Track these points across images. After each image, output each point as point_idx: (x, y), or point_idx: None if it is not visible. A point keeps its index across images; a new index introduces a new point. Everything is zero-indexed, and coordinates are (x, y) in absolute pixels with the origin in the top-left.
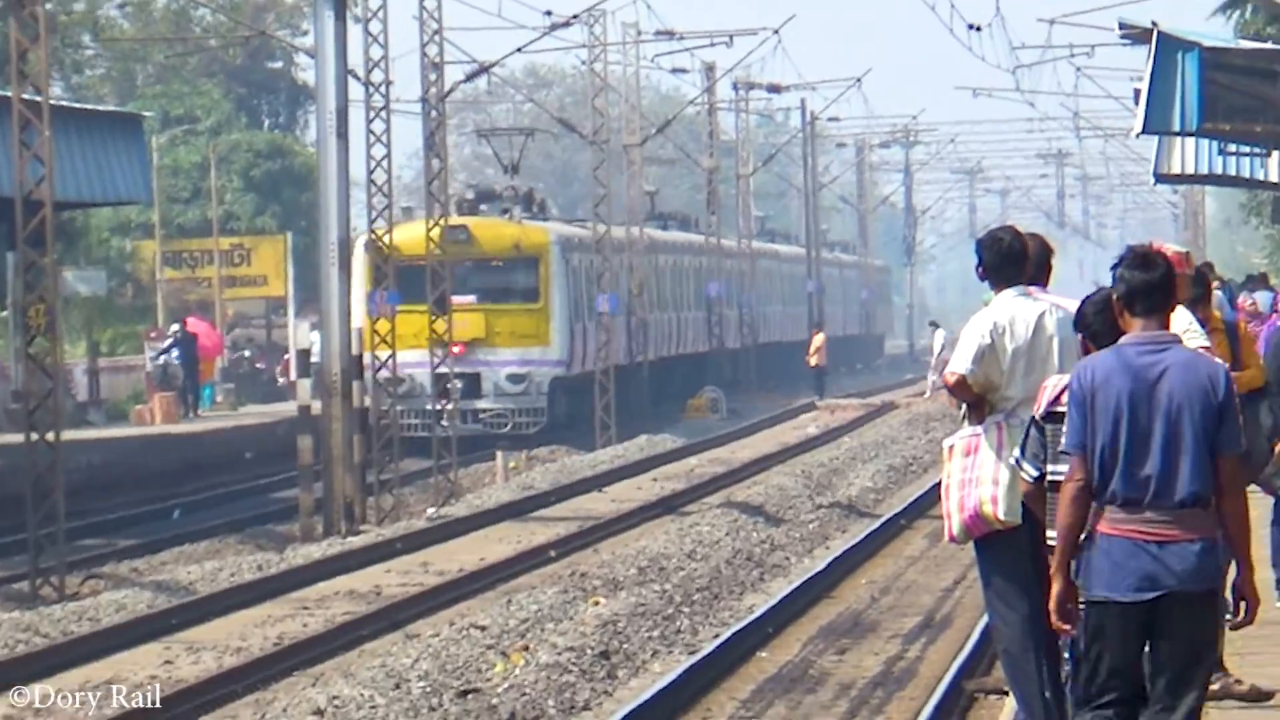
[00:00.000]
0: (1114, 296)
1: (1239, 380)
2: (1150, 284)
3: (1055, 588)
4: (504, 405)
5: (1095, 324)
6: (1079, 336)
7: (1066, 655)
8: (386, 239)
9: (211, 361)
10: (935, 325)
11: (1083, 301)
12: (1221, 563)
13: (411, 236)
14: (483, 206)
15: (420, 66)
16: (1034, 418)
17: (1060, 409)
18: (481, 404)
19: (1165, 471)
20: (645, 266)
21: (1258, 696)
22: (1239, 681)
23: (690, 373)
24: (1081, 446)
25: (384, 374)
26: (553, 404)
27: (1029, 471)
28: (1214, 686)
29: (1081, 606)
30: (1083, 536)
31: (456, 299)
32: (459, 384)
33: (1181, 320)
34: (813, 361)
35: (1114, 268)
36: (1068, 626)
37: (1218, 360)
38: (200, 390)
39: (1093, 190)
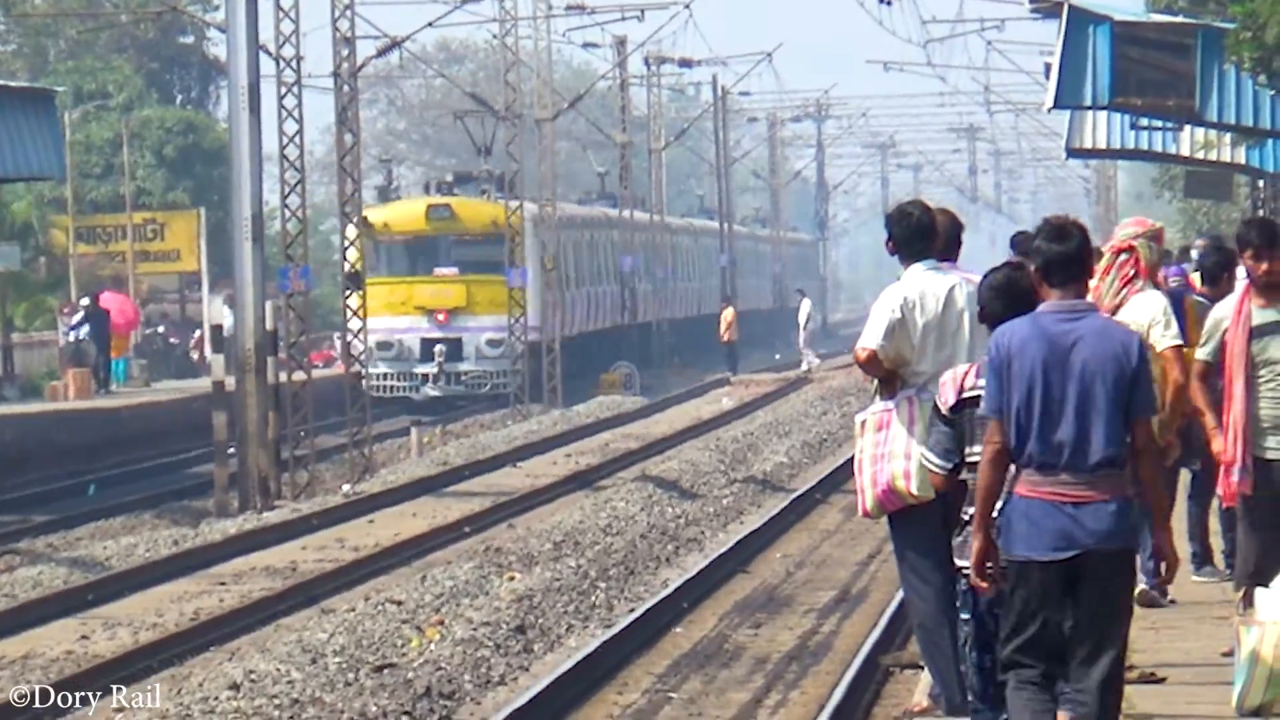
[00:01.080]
0: (1032, 267)
1: (1186, 359)
2: (1066, 256)
3: (975, 545)
4: (484, 368)
5: (993, 307)
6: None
7: (965, 617)
8: (374, 216)
9: (126, 336)
10: (802, 294)
11: (981, 284)
12: (1136, 523)
13: (403, 213)
14: (456, 190)
15: (331, 41)
16: (939, 412)
17: (970, 394)
18: (464, 366)
19: (1079, 435)
20: (564, 241)
21: (1149, 681)
22: (1131, 667)
23: (604, 347)
24: (998, 411)
25: (371, 340)
26: (526, 366)
27: (940, 465)
28: None
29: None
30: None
31: (440, 270)
32: (444, 348)
33: (1154, 306)
34: (724, 337)
35: (1013, 239)
36: (985, 585)
37: (1132, 329)
38: (111, 366)
39: (1005, 165)
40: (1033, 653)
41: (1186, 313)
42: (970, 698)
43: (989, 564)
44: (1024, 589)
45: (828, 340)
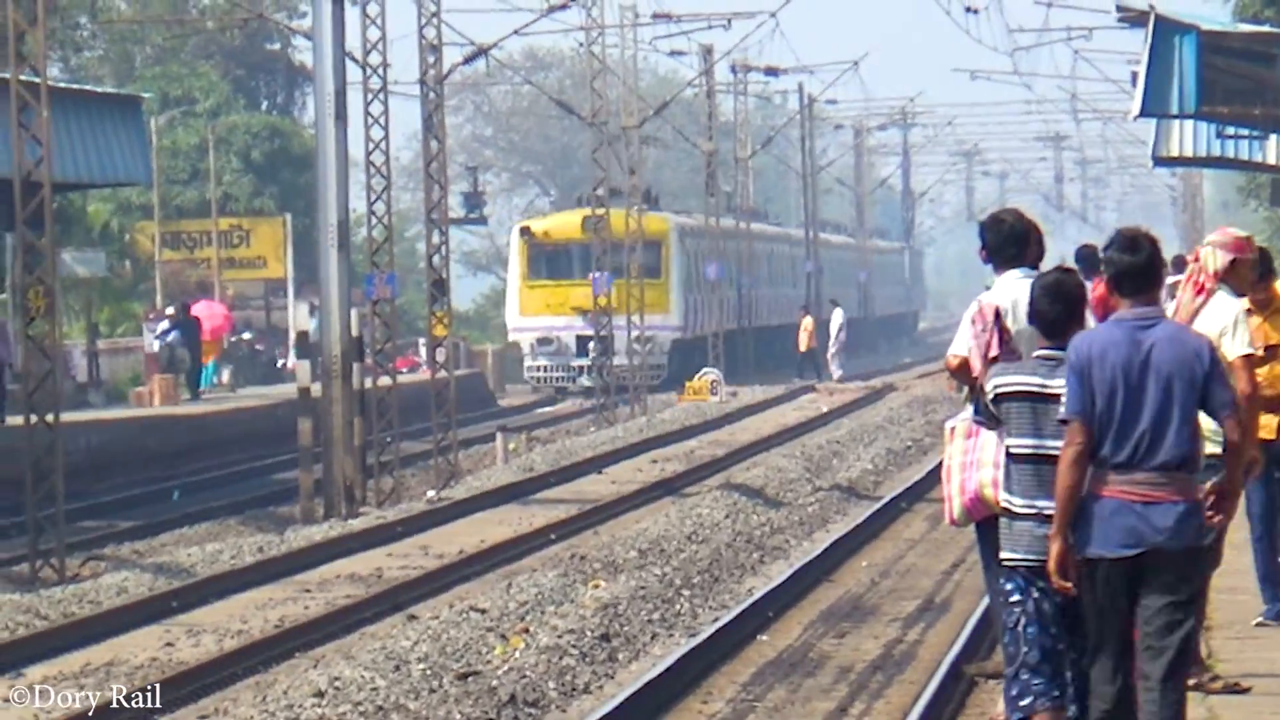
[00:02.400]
0: (1105, 277)
1: None
2: (1137, 266)
3: (1054, 548)
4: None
5: (1042, 306)
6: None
7: (1017, 599)
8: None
9: (218, 342)
10: (835, 303)
11: (1032, 286)
12: (1203, 524)
13: (561, 223)
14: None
15: (418, 48)
16: (983, 396)
17: (1005, 389)
18: (616, 360)
19: (1154, 436)
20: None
21: (1233, 691)
22: (1215, 678)
23: (692, 353)
24: (1080, 413)
25: (533, 336)
26: (671, 360)
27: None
28: (1190, 681)
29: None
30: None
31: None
32: (598, 344)
33: (1226, 314)
34: (803, 346)
35: (1078, 252)
36: (1068, 585)
37: (1203, 335)
38: (201, 372)
39: (1091, 173)
40: (1106, 650)
41: None
42: (1025, 674)
43: (1066, 565)
44: (1092, 586)
45: (910, 348)
